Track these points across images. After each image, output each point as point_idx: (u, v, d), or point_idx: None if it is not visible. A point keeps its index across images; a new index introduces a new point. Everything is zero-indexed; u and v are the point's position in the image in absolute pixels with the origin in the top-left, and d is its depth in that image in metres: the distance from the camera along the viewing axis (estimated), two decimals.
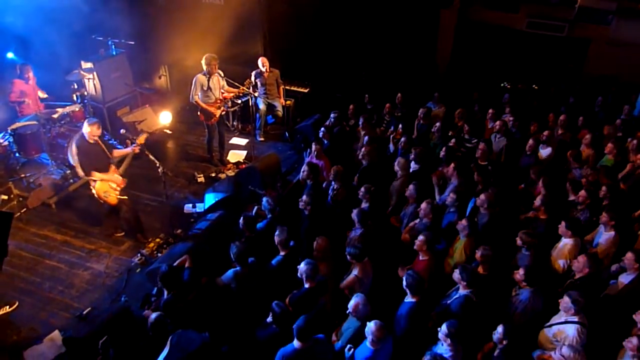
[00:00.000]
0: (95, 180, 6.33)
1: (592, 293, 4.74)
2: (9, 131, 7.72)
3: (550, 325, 4.46)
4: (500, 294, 4.95)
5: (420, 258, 5.22)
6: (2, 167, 7.41)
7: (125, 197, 6.65)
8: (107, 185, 6.42)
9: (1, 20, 8.03)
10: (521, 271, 4.69)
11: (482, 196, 5.73)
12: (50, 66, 8.67)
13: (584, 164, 6.77)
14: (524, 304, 4.67)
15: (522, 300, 4.69)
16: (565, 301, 4.32)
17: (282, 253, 5.36)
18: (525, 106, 9.15)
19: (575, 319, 4.29)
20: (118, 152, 6.84)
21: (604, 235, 5.45)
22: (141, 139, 6.75)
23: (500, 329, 4.09)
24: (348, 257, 5.04)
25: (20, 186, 7.60)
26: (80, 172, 6.37)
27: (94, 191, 6.40)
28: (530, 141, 7.27)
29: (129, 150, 6.85)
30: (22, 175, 7.73)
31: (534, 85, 9.70)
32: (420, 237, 5.15)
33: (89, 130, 6.19)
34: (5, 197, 7.30)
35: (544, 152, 7.34)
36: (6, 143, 7.81)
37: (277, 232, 5.32)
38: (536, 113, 8.75)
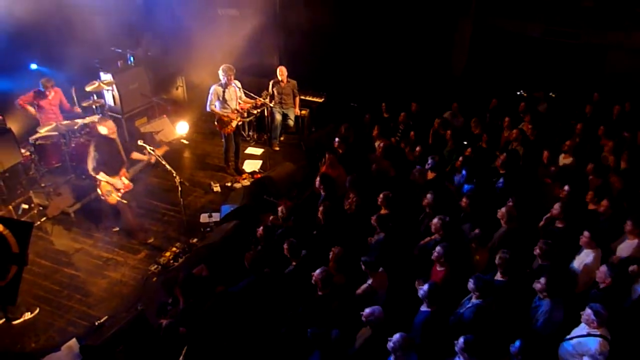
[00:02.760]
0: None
1: (615, 304, 4.61)
2: (31, 141, 7.85)
3: (572, 338, 4.34)
4: (520, 303, 4.84)
5: (438, 269, 5.15)
6: (23, 176, 7.52)
7: (126, 201, 6.79)
8: (111, 186, 6.59)
9: (26, 32, 8.17)
10: (542, 280, 4.58)
11: (503, 209, 5.64)
12: (70, 77, 8.81)
13: (606, 172, 6.64)
14: (544, 315, 4.56)
15: (543, 311, 4.58)
16: (588, 314, 4.20)
17: (293, 263, 5.33)
18: (542, 114, 9.03)
19: (598, 332, 4.17)
20: (136, 155, 6.98)
21: (628, 244, 5.31)
22: (160, 151, 6.91)
23: (517, 343, 3.99)
24: (363, 266, 4.99)
25: (40, 195, 7.70)
26: (89, 168, 6.53)
27: (98, 189, 6.64)
28: (546, 152, 7.16)
29: (144, 157, 6.98)
30: (43, 185, 7.84)
31: (551, 93, 9.57)
32: (438, 249, 5.07)
33: (104, 126, 6.44)
34: (26, 206, 7.41)
35: (565, 161, 7.22)
36: (28, 153, 7.92)
37: (286, 243, 5.29)
38: (554, 121, 8.62)
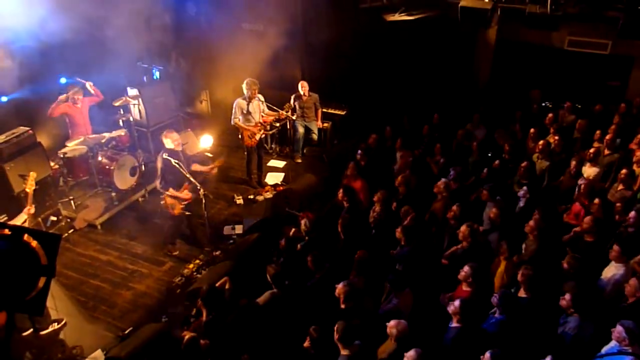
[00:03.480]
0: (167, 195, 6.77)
1: None
2: (60, 155, 8.04)
3: (602, 356, 4.20)
4: (546, 320, 4.72)
5: (464, 288, 5.05)
6: (52, 189, 7.70)
7: (189, 213, 7.00)
8: (175, 200, 6.78)
9: (56, 47, 8.38)
10: (567, 297, 4.47)
11: (531, 223, 5.53)
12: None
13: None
14: (572, 332, 4.44)
15: (571, 327, 4.46)
16: (619, 331, 4.06)
17: (317, 276, 5.31)
18: (568, 125, 8.86)
19: (630, 349, 4.02)
20: (196, 167, 7.15)
21: None
22: (218, 162, 7.34)
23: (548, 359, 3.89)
24: (389, 284, 4.93)
25: (68, 207, 7.87)
26: (157, 185, 6.79)
27: (162, 202, 6.86)
28: (573, 161, 7.01)
29: (206, 168, 7.25)
30: (70, 197, 8.01)
31: (577, 105, 9.40)
32: (467, 269, 4.98)
33: (169, 139, 6.65)
34: (55, 218, 7.56)
35: (590, 171, 7.05)
36: (57, 166, 8.11)
37: (310, 255, 5.28)
38: (580, 132, 8.45)
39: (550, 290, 4.96)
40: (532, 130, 8.17)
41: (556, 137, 7.96)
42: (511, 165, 7.45)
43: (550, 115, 8.63)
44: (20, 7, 7.16)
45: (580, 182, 6.64)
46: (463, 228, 5.51)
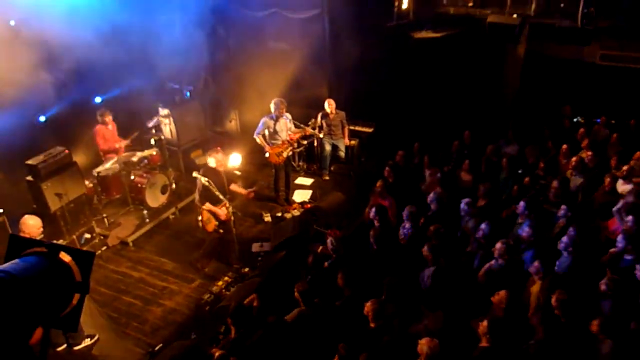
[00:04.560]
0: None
1: None
2: (94, 174, 8.27)
3: None
4: (583, 344, 4.54)
5: (496, 313, 4.92)
6: (87, 207, 7.91)
7: (222, 231, 7.07)
8: (211, 215, 6.88)
9: (90, 67, 8.65)
10: (596, 322, 4.31)
11: (565, 238, 5.38)
12: (130, 113, 9.29)
13: None
14: (606, 357, 4.26)
15: (604, 354, 4.28)
16: None
17: (345, 294, 5.26)
18: (602, 140, 8.64)
19: None
20: (234, 188, 7.32)
21: None
22: (257, 187, 7.52)
23: None
24: (422, 305, 4.85)
25: (102, 225, 8.06)
26: (195, 199, 6.93)
27: (199, 216, 6.95)
28: (607, 178, 6.81)
29: (244, 191, 7.45)
30: (104, 215, 8.21)
31: (611, 120, 9.16)
32: (502, 293, 4.85)
33: (213, 158, 6.88)
34: (89, 235, 7.76)
35: (624, 187, 6.83)
36: (91, 185, 8.34)
37: (341, 272, 5.25)
38: (615, 148, 8.22)
39: (585, 313, 4.79)
40: (564, 146, 8.00)
41: (589, 153, 7.77)
42: (543, 182, 7.29)
43: (581, 130, 8.45)
44: (62, 24, 7.42)
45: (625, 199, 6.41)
46: (498, 245, 5.39)
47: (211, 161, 6.91)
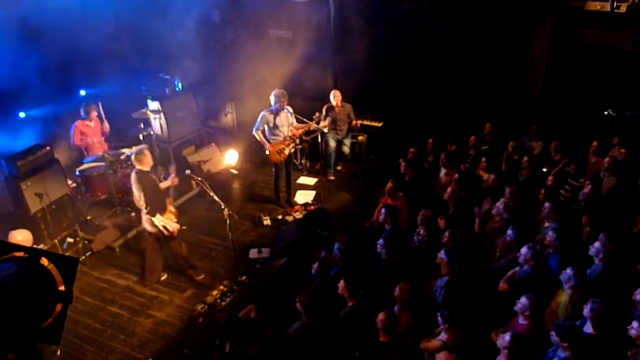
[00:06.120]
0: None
1: None
2: (77, 172, 8.28)
3: None
4: (614, 357, 4.53)
5: (520, 322, 4.91)
6: (69, 208, 7.93)
7: (185, 227, 7.07)
8: (168, 218, 6.84)
9: (74, 58, 8.69)
10: (635, 325, 4.29)
11: (597, 244, 5.37)
12: (118, 104, 9.31)
13: None
14: None
15: None
16: None
17: (349, 304, 5.27)
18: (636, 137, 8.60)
19: None
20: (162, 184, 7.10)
21: None
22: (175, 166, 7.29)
23: None
24: (440, 319, 4.84)
25: (86, 228, 8.08)
26: (144, 208, 6.71)
27: (153, 228, 6.79)
28: None
29: (168, 182, 7.05)
30: (88, 217, 8.23)
31: None
32: (524, 301, 4.83)
33: (142, 159, 6.61)
34: (72, 240, 7.77)
35: None
36: (74, 185, 8.36)
37: (343, 281, 5.25)
38: None
39: (618, 322, 4.78)
40: (594, 143, 7.95)
41: (622, 150, 7.73)
42: (575, 183, 7.27)
43: (614, 125, 8.42)
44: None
45: None
46: (524, 251, 5.38)
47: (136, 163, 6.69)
